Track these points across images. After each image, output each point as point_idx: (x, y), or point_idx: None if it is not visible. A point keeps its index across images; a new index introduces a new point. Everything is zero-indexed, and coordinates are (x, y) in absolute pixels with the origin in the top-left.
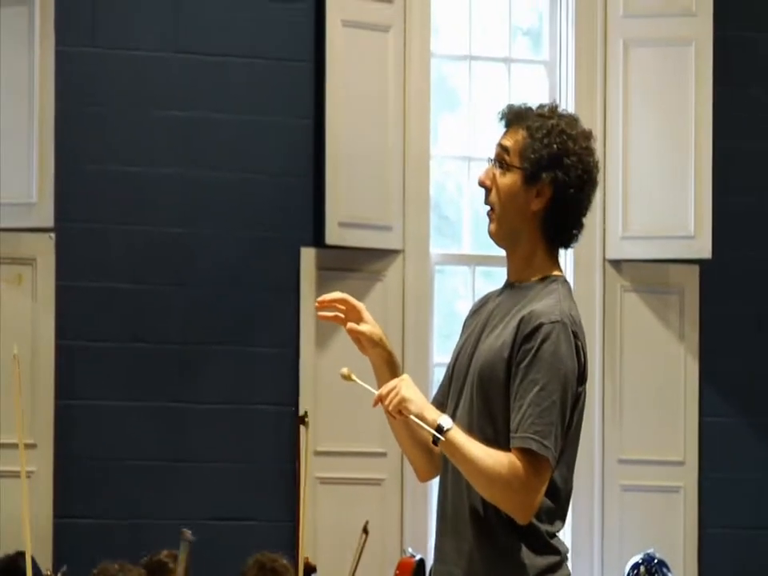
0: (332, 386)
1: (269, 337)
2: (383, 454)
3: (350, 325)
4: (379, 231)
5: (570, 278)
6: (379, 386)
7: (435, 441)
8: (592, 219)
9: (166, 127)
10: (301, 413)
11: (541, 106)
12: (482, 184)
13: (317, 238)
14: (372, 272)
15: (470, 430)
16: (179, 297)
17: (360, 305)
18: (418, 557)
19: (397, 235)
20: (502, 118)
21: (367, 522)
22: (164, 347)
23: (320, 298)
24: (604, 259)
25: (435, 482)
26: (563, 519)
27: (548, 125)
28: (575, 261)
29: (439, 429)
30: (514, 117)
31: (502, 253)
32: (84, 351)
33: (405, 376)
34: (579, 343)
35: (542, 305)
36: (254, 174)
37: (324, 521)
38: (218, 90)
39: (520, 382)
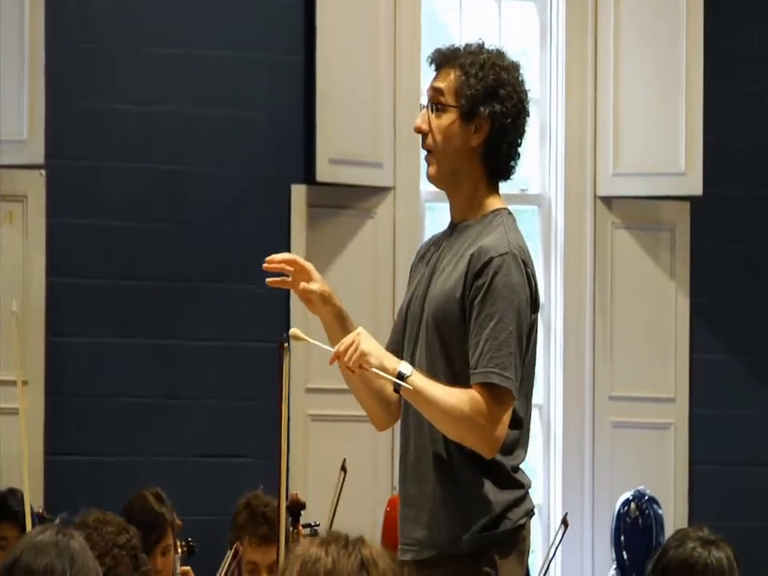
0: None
1: (259, 274)
2: None
3: (302, 285)
4: (370, 168)
5: (560, 215)
6: (332, 343)
7: (397, 388)
8: (583, 156)
9: (156, 64)
10: (285, 344)
11: (468, 45)
12: (418, 129)
13: (307, 175)
14: (363, 209)
15: (430, 373)
16: (170, 234)
17: (308, 264)
18: None
19: (388, 172)
20: (431, 63)
21: (345, 461)
22: (155, 284)
23: (268, 258)
24: (595, 196)
25: None
26: (525, 448)
27: (480, 59)
28: (566, 197)
29: (400, 376)
30: (443, 59)
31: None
32: (75, 288)
33: (360, 329)
34: (530, 271)
35: (490, 239)
36: (245, 111)
37: (315, 458)
38: (209, 26)
39: (475, 318)
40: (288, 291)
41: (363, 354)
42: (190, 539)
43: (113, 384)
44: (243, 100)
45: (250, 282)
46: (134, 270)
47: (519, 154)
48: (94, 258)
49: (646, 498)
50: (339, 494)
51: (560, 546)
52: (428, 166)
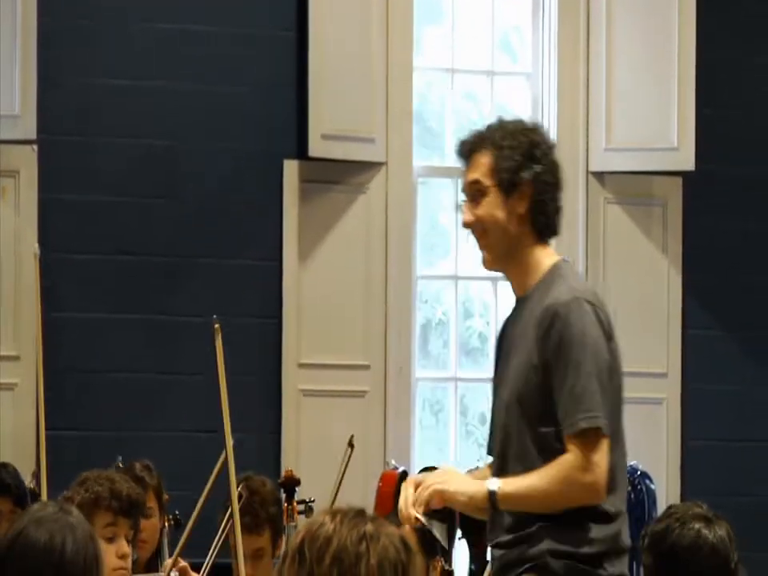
0: (315, 298)
1: (252, 249)
2: (366, 366)
3: None
4: (362, 143)
5: None
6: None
7: (494, 506)
8: (575, 131)
9: (149, 39)
10: (217, 325)
11: (486, 126)
12: (466, 225)
13: (300, 151)
14: (355, 184)
15: (524, 455)
16: (163, 209)
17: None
18: (400, 469)
19: (380, 147)
20: (459, 155)
21: (353, 437)
22: (148, 260)
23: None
24: (587, 171)
25: (419, 394)
26: (616, 493)
27: (508, 129)
28: None
29: (491, 495)
30: (471, 146)
31: None
32: (67, 264)
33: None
34: (594, 307)
35: (550, 296)
36: (238, 86)
37: (307, 433)
38: (201, 1)
39: (555, 374)
40: (280, 267)
41: (436, 492)
42: (177, 512)
43: (106, 359)
44: (236, 76)
45: (243, 257)
46: (127, 246)
47: (561, 207)
48: (85, 234)
49: (638, 472)
50: (344, 471)
51: None
52: (482, 255)
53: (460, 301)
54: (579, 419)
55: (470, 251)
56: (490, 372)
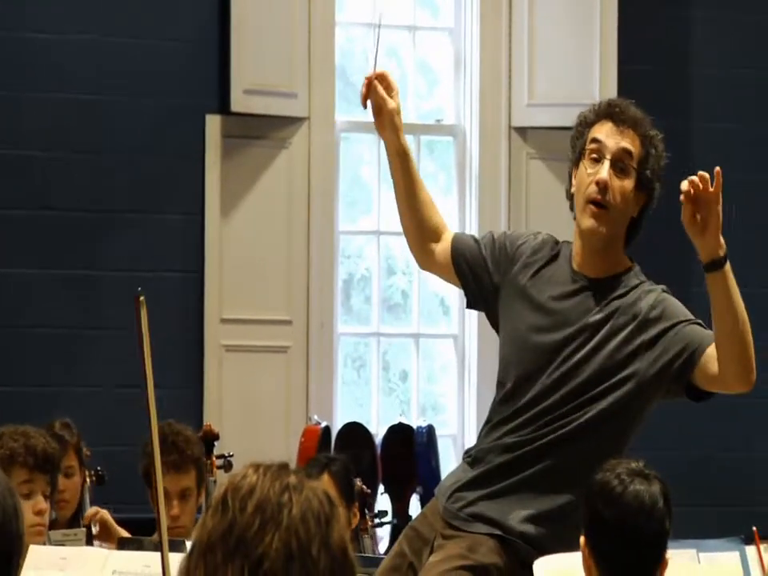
0: (237, 253)
1: (174, 204)
2: (289, 322)
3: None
4: (285, 98)
5: (475, 146)
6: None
7: (712, 267)
8: (497, 87)
9: None
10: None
11: (635, 107)
12: (605, 184)
13: (222, 105)
14: (277, 139)
15: (596, 442)
16: (86, 164)
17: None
18: (323, 424)
19: (302, 102)
20: (614, 114)
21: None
22: (72, 215)
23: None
24: (509, 126)
25: (341, 350)
26: None
27: (656, 136)
28: (480, 128)
29: (726, 257)
30: (633, 119)
31: (408, 119)
32: None
33: None
34: None
35: (647, 297)
36: (160, 41)
37: (230, 388)
38: None
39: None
40: (203, 222)
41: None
42: (99, 468)
43: (30, 314)
44: (158, 30)
45: (166, 211)
46: (50, 201)
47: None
48: (11, 189)
49: None
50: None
51: None
52: (595, 219)
53: (382, 257)
54: None
55: (391, 207)
56: (412, 328)
